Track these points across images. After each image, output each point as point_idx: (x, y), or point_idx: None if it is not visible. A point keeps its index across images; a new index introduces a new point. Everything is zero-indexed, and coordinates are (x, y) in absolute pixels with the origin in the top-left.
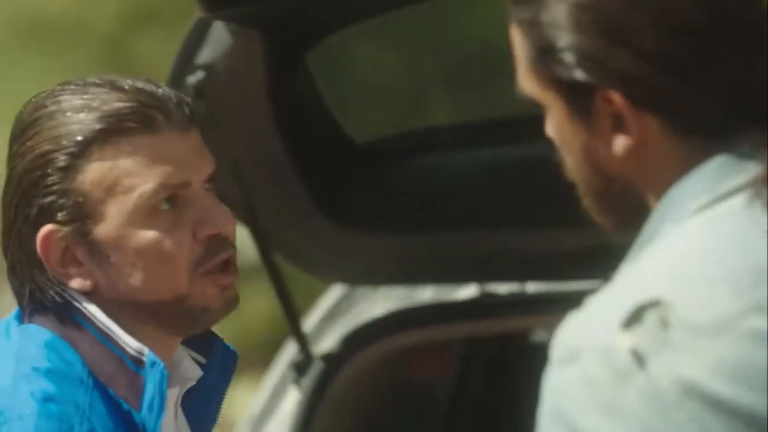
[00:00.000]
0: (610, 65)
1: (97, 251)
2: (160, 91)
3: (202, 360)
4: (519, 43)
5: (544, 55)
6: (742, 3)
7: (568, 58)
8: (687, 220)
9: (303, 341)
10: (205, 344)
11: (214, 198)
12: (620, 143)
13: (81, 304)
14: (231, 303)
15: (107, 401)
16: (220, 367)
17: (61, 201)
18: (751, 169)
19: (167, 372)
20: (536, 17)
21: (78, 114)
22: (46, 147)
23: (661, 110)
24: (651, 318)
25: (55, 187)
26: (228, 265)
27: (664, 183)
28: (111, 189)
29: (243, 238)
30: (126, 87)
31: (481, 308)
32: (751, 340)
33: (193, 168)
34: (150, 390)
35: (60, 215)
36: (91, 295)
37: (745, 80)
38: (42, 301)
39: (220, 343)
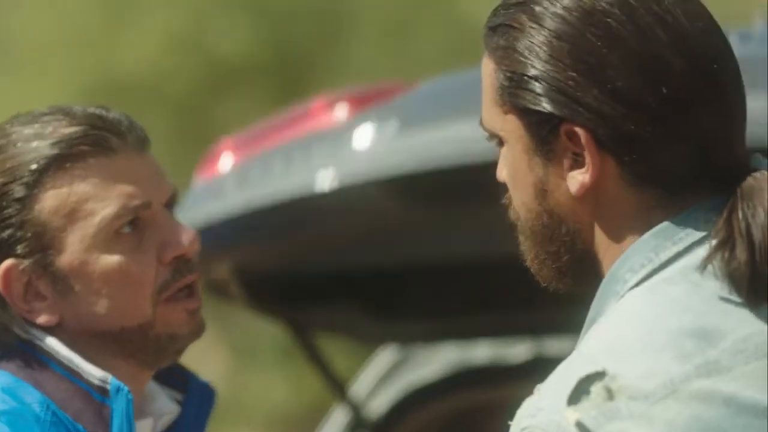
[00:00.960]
0: (580, 100)
1: (60, 282)
2: (110, 114)
3: (180, 397)
4: (488, 72)
5: (514, 82)
6: (722, 55)
7: (539, 87)
8: (627, 294)
9: (354, 406)
10: (182, 381)
11: (176, 219)
12: (577, 181)
13: (42, 342)
14: (198, 329)
15: None
16: (198, 403)
17: (20, 233)
18: (689, 236)
19: (132, 397)
20: (511, 44)
21: (29, 143)
22: (0, 180)
23: (623, 154)
24: (596, 390)
25: (12, 220)
26: (193, 289)
27: (614, 234)
28: (70, 216)
29: None
30: (76, 112)
31: (535, 369)
32: (700, 402)
33: (152, 189)
34: (117, 417)
35: (20, 248)
36: (57, 329)
37: (716, 135)
38: (6, 342)
39: (196, 380)
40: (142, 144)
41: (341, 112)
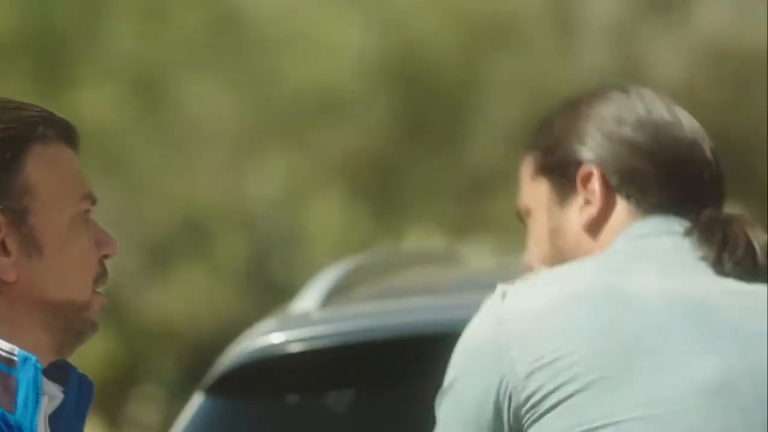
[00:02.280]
0: (595, 145)
1: (30, 242)
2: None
3: (60, 389)
4: (523, 164)
5: (546, 153)
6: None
7: (566, 142)
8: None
9: None
10: (62, 374)
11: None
12: (586, 214)
13: None
14: (97, 327)
15: None
16: (77, 393)
17: (3, 188)
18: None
19: (41, 366)
20: (547, 134)
21: (16, 113)
22: None
23: (629, 189)
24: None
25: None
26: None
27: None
28: (55, 187)
29: None
30: (36, 106)
31: None
32: None
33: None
34: (23, 387)
35: (3, 202)
36: (6, 287)
37: (695, 178)
38: None
39: (75, 372)
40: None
41: None
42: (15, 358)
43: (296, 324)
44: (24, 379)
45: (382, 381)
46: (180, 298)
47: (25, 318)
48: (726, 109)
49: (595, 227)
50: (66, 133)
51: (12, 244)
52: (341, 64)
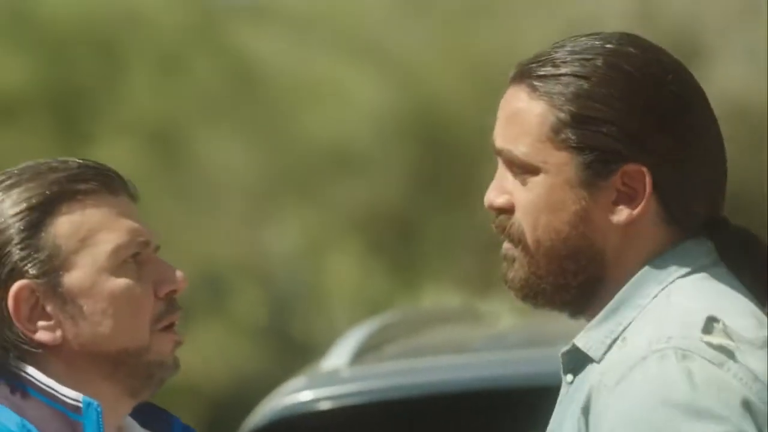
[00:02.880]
0: (650, 146)
1: (68, 303)
2: (107, 166)
3: None
4: (536, 112)
5: (581, 123)
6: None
7: (614, 130)
8: (676, 281)
9: None
10: (165, 425)
11: (165, 261)
12: (624, 213)
13: (23, 371)
14: (178, 363)
15: None
16: None
17: (34, 255)
18: (708, 255)
19: (101, 409)
20: (580, 91)
21: (44, 176)
22: (15, 209)
23: (669, 195)
24: (718, 328)
25: (26, 242)
26: (175, 327)
27: (635, 260)
28: (84, 240)
29: None
30: (78, 160)
31: None
32: None
33: (148, 232)
34: (89, 429)
35: (32, 269)
36: (57, 349)
37: (720, 189)
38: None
39: (178, 423)
40: (134, 193)
41: None
42: (80, 404)
43: (326, 382)
44: (89, 423)
45: None
46: (197, 353)
47: (85, 372)
48: (742, 167)
49: (629, 229)
50: (106, 182)
51: (51, 308)
52: (358, 118)
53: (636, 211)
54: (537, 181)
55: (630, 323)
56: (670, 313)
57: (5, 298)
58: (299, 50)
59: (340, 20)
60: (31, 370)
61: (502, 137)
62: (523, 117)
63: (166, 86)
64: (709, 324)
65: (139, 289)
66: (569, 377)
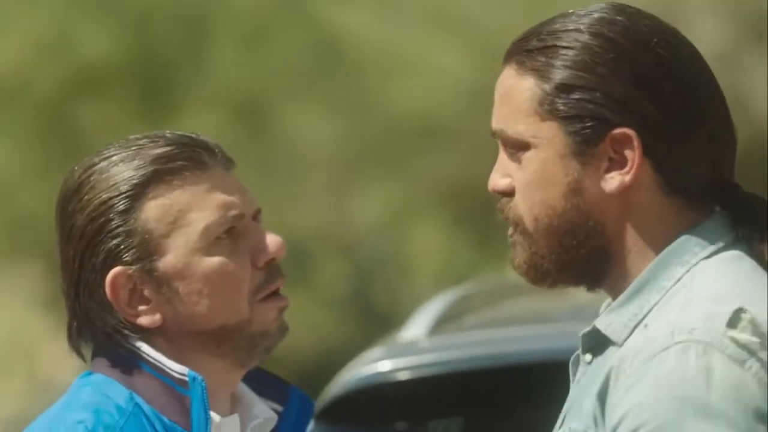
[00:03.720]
0: (636, 109)
1: (164, 285)
2: (199, 136)
3: (279, 408)
4: (524, 87)
5: (566, 92)
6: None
7: (599, 96)
8: (700, 263)
9: None
10: (282, 393)
11: (263, 229)
12: (616, 180)
13: (133, 345)
14: (285, 327)
15: (156, 427)
16: (297, 414)
17: (127, 242)
18: (728, 233)
19: (206, 384)
20: (566, 62)
21: (130, 162)
22: (105, 195)
23: (662, 159)
24: (745, 320)
25: (119, 230)
26: (279, 291)
27: (641, 233)
28: (174, 223)
29: None
30: (168, 135)
31: None
32: None
33: (243, 202)
34: (196, 403)
35: (126, 256)
36: (159, 331)
37: (723, 153)
38: (107, 348)
39: (296, 392)
40: (228, 162)
41: None
42: (186, 378)
43: (405, 352)
44: (195, 398)
45: (491, 409)
46: None
47: (189, 350)
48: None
49: (622, 196)
50: (194, 157)
51: (149, 292)
52: (443, 89)
53: (628, 178)
54: (530, 158)
55: (653, 306)
56: (694, 301)
57: (103, 286)
58: (385, 22)
59: None
60: (140, 345)
61: (495, 118)
62: (512, 94)
63: (252, 58)
64: (736, 317)
65: (233, 265)
66: (588, 357)
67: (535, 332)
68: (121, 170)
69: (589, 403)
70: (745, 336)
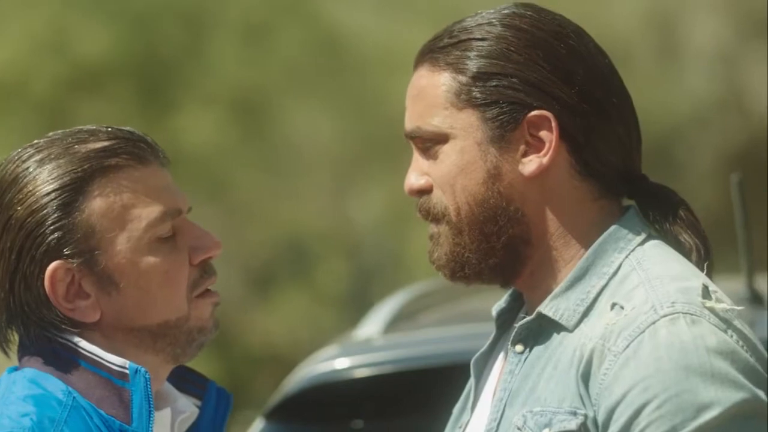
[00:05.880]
0: (551, 92)
1: (105, 280)
2: (136, 132)
3: (198, 402)
4: (437, 83)
5: (482, 81)
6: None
7: (515, 82)
8: (636, 249)
9: None
10: (200, 388)
11: (200, 226)
12: (534, 163)
13: (67, 339)
14: (217, 323)
15: (95, 420)
16: (215, 407)
17: (69, 236)
18: (647, 222)
19: (150, 376)
20: (479, 52)
21: (72, 155)
22: (47, 188)
23: (578, 141)
24: (713, 295)
25: (60, 223)
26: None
27: (560, 219)
28: (117, 219)
29: None
30: (106, 129)
31: None
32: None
33: (179, 198)
34: (137, 398)
35: (67, 250)
36: (95, 325)
37: (633, 142)
38: (40, 342)
39: (213, 385)
40: (164, 158)
41: None
42: (127, 371)
43: (359, 350)
44: (137, 390)
45: (443, 407)
46: (282, 323)
47: (126, 345)
48: None
49: (540, 180)
50: (137, 153)
51: (88, 286)
52: None
53: (546, 160)
54: (447, 150)
55: (602, 291)
56: (656, 279)
57: (41, 279)
58: (386, 19)
59: None
60: (76, 339)
61: (409, 119)
62: (426, 92)
63: (253, 56)
64: (705, 291)
65: (174, 261)
66: (518, 347)
67: (489, 329)
68: (62, 163)
69: (563, 386)
70: (721, 306)
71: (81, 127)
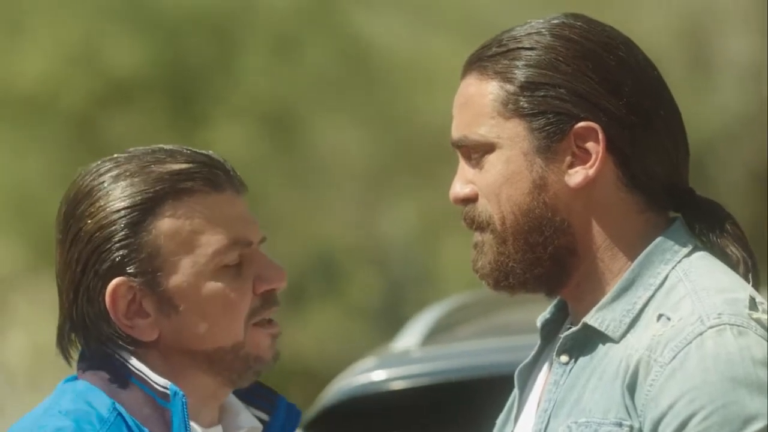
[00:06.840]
0: (599, 104)
1: (166, 302)
2: (215, 156)
3: (266, 417)
4: (485, 92)
5: (530, 90)
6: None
7: (563, 92)
8: (683, 261)
9: None
10: (269, 402)
11: (268, 257)
12: (580, 175)
13: (121, 355)
14: (277, 354)
15: None
16: (284, 423)
17: (134, 254)
18: (693, 234)
19: (186, 400)
20: (528, 62)
21: (148, 175)
22: (118, 204)
23: (625, 154)
24: (761, 306)
25: (127, 241)
26: (273, 318)
27: (606, 230)
28: (185, 243)
29: None
30: (185, 151)
31: None
32: None
33: (252, 228)
34: (176, 417)
35: (130, 268)
36: (153, 345)
37: (681, 156)
38: (98, 355)
39: (283, 401)
40: (241, 186)
41: None
42: (168, 392)
43: (396, 362)
44: (176, 412)
45: (480, 420)
46: (312, 336)
47: (182, 366)
48: None
49: (586, 192)
50: (212, 179)
51: (148, 306)
52: None
53: (592, 172)
54: (494, 159)
55: (648, 302)
56: (703, 291)
57: (103, 293)
58: (415, 32)
59: (455, 1)
60: (126, 356)
61: (456, 127)
62: (474, 100)
63: (281, 69)
64: (752, 302)
65: (237, 290)
66: (564, 358)
67: (527, 342)
68: (136, 182)
69: (608, 397)
70: (765, 317)
71: (163, 145)
